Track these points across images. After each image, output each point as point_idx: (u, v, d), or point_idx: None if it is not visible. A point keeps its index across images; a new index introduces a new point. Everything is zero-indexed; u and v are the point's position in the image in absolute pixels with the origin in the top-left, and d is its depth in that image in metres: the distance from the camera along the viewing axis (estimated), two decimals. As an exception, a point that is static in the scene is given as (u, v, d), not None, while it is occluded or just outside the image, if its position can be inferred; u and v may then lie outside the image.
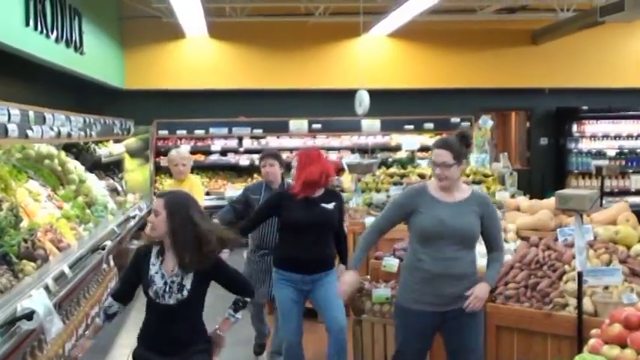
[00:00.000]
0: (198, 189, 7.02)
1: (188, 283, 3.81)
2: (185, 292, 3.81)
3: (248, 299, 4.10)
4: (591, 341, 3.54)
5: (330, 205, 5.45)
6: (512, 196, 8.27)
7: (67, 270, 5.66)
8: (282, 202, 5.50)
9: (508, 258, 5.37)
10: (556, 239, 5.20)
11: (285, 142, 13.58)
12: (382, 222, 4.67)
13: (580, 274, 4.45)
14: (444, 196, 4.43)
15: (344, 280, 4.53)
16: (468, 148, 4.56)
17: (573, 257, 4.68)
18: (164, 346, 3.87)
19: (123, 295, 4.17)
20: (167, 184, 7.59)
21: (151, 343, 3.92)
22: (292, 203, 5.42)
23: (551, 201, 5.74)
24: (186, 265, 3.80)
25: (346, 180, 11.72)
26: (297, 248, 5.39)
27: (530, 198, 6.96)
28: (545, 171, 14.93)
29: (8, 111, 5.59)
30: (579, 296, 4.47)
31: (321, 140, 13.63)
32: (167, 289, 3.82)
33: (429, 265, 4.34)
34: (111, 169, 11.43)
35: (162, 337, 3.88)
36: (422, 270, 4.37)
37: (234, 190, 12.25)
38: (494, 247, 4.52)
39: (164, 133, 13.25)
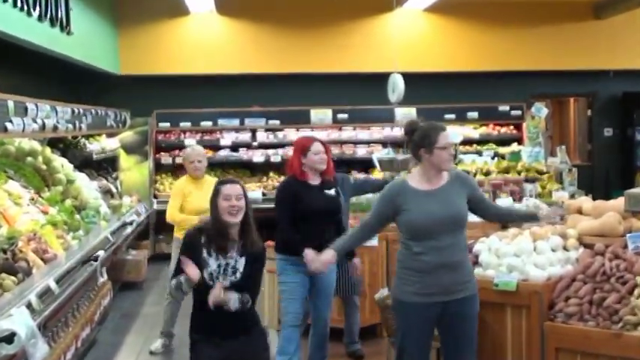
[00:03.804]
0: None
1: (241, 266, 4.51)
2: (238, 275, 4.49)
3: (250, 302, 4.57)
4: (670, 367, 3.47)
5: (332, 191, 6.31)
6: (572, 197, 8.20)
7: (53, 285, 5.67)
8: (297, 190, 6.21)
9: (569, 269, 5.31)
10: (625, 246, 5.14)
11: (305, 135, 13.46)
12: (373, 220, 5.13)
13: (655, 288, 4.39)
14: (426, 186, 4.92)
15: (320, 258, 5.19)
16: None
17: (647, 268, 4.62)
18: (225, 329, 4.48)
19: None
20: (180, 182, 7.72)
21: (210, 330, 4.52)
22: (305, 191, 6.19)
23: (618, 202, 5.67)
24: (250, 246, 4.52)
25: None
26: (306, 233, 6.08)
27: (594, 198, 6.86)
28: (610, 167, 14.83)
29: (-16, 101, 5.61)
30: (654, 314, 4.41)
31: (348, 133, 13.56)
32: (221, 271, 4.48)
33: (426, 257, 4.79)
34: (104, 167, 11.48)
35: (221, 320, 4.46)
36: (419, 262, 4.82)
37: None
38: (494, 207, 5.37)
39: (165, 125, 13.29)
